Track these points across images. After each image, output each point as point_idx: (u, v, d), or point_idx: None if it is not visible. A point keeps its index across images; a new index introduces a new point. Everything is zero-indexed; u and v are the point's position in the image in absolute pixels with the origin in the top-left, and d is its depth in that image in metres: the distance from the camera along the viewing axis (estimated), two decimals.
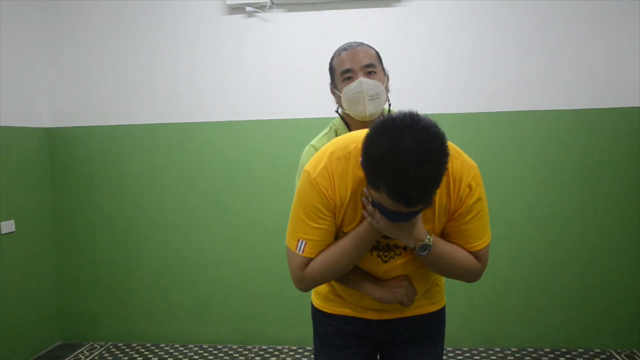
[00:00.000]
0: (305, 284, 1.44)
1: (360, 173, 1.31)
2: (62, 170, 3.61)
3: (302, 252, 1.39)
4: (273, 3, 3.32)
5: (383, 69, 1.79)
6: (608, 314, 3.28)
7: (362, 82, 1.71)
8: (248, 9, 3.33)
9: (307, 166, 1.39)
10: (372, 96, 1.72)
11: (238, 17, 3.39)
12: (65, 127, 3.59)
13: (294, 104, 3.38)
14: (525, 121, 3.24)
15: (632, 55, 3.15)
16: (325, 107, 3.28)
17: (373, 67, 1.75)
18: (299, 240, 1.39)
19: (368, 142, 1.16)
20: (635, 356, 3.19)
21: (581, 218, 3.26)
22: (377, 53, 1.80)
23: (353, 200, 1.35)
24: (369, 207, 1.32)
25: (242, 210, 3.48)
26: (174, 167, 3.51)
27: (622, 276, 3.25)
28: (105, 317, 3.67)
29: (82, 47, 3.53)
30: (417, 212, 1.24)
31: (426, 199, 1.14)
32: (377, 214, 1.29)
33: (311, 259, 1.40)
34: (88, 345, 3.64)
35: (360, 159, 1.21)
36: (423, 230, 1.34)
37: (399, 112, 1.16)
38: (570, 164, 3.24)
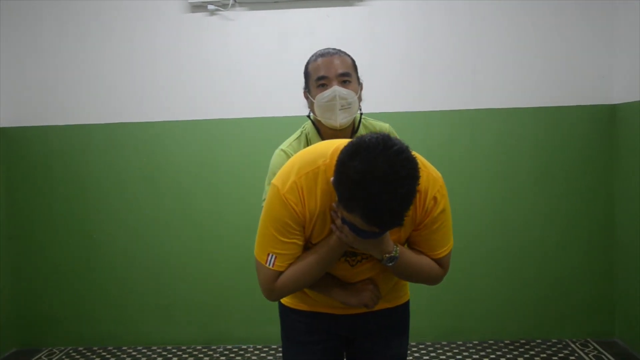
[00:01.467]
0: (276, 296, 1.45)
1: (329, 187, 1.33)
2: (19, 171, 3.50)
3: (272, 266, 1.40)
4: (235, 1, 3.31)
5: (358, 78, 1.81)
6: (564, 306, 3.40)
7: (336, 91, 1.73)
8: (210, 7, 3.31)
9: (275, 180, 1.39)
10: (344, 106, 1.73)
11: (200, 15, 3.37)
12: (21, 127, 3.48)
13: (258, 102, 3.38)
14: (483, 119, 3.33)
15: (588, 54, 3.28)
16: (289, 105, 3.32)
17: (348, 76, 1.76)
18: (268, 255, 1.39)
19: (341, 165, 1.18)
20: (590, 344, 3.32)
21: (537, 214, 3.37)
22: (353, 62, 1.81)
23: (322, 214, 1.37)
24: (338, 221, 1.34)
25: (206, 210, 3.46)
26: (135, 167, 3.46)
27: (577, 270, 3.38)
28: (64, 321, 3.58)
29: (38, 45, 3.44)
30: (386, 231, 1.28)
31: (399, 222, 1.18)
32: (346, 229, 1.32)
33: (281, 272, 1.41)
34: (47, 350, 3.54)
35: (332, 179, 1.22)
36: (390, 243, 1.37)
37: (371, 135, 1.18)
38: (527, 161, 3.34)
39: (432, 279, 1.50)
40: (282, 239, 1.37)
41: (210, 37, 3.37)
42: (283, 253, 1.39)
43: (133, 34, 3.40)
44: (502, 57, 3.30)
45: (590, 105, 3.29)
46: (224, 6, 3.32)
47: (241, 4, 3.33)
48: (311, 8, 3.32)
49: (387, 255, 1.37)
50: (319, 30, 3.31)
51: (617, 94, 3.26)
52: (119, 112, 3.44)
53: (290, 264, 1.41)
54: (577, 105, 3.29)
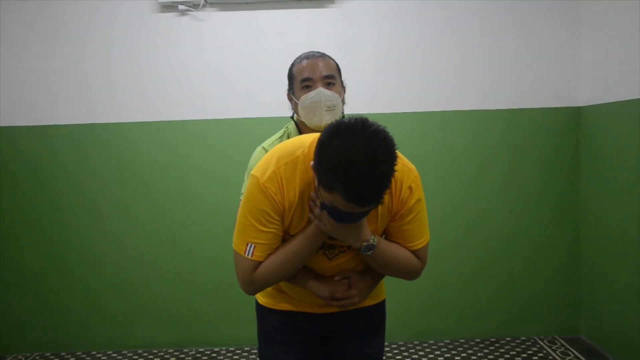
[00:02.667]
0: (254, 287, 1.46)
1: (308, 177, 1.36)
2: None
3: (251, 256, 1.40)
4: (206, 2, 3.29)
5: (341, 82, 1.83)
6: (532, 304, 3.47)
7: (321, 93, 1.74)
8: (181, 7, 3.28)
9: (255, 171, 1.41)
10: (328, 107, 1.75)
11: (170, 16, 3.33)
12: None
13: (229, 103, 3.36)
14: (454, 121, 3.37)
15: (555, 58, 3.35)
16: (261, 106, 3.31)
17: (333, 78, 1.78)
18: (247, 244, 1.40)
19: (322, 146, 1.21)
20: (557, 341, 3.39)
21: (506, 215, 3.42)
22: (337, 65, 1.83)
23: (300, 204, 1.39)
24: (316, 210, 1.36)
25: (177, 212, 3.42)
26: (105, 168, 3.40)
27: (544, 270, 3.45)
28: (30, 326, 3.49)
29: (8, 44, 3.35)
30: (367, 213, 1.30)
31: (378, 199, 1.21)
32: (325, 217, 1.34)
33: (260, 262, 1.42)
34: (11, 357, 3.45)
35: (312, 163, 1.26)
36: (368, 231, 1.40)
37: (350, 117, 1.22)
38: (496, 162, 3.39)
39: (410, 272, 1.52)
40: (261, 228, 1.38)
41: (180, 37, 3.34)
42: (262, 243, 1.40)
43: (102, 33, 3.34)
44: (473, 60, 3.35)
45: (557, 108, 3.37)
46: (195, 6, 3.29)
47: (212, 5, 3.31)
48: (282, 9, 3.31)
49: (364, 243, 1.39)
50: (291, 32, 3.31)
51: (582, 97, 3.34)
52: (88, 113, 3.38)
53: (269, 255, 1.42)
54: (544, 108, 3.37)
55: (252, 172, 1.41)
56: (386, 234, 1.50)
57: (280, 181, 1.37)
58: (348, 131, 1.18)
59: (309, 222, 1.40)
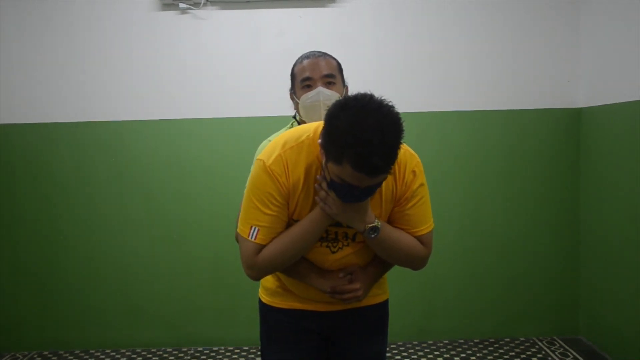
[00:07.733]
0: (258, 271, 1.46)
1: (313, 161, 1.38)
2: None
3: (255, 239, 1.41)
4: (207, 0, 3.29)
5: (343, 80, 1.84)
6: (531, 305, 3.47)
7: (320, 92, 1.76)
8: (181, 5, 3.28)
9: (261, 155, 1.43)
10: (328, 106, 1.75)
11: (171, 14, 3.33)
12: None
13: (228, 102, 3.36)
14: (452, 121, 3.37)
15: (555, 59, 3.35)
16: (261, 105, 3.31)
17: (333, 77, 1.79)
18: (251, 227, 1.41)
19: (331, 118, 1.24)
20: (555, 342, 3.39)
21: (505, 215, 3.43)
22: (339, 64, 1.85)
23: (305, 187, 1.40)
24: (322, 193, 1.37)
25: (175, 211, 3.42)
26: (104, 166, 3.40)
27: (544, 270, 3.45)
28: (28, 325, 3.48)
29: (7, 41, 3.34)
30: (373, 191, 1.31)
31: (386, 169, 1.23)
32: (330, 199, 1.35)
33: (263, 246, 1.42)
34: (9, 356, 3.44)
35: (320, 140, 1.28)
36: (372, 214, 1.41)
37: (357, 93, 1.25)
38: (496, 162, 3.40)
39: (416, 258, 1.52)
40: (266, 210, 1.40)
41: (181, 35, 3.34)
42: (266, 226, 1.41)
43: (102, 31, 3.34)
44: (472, 60, 3.35)
45: (557, 109, 3.37)
46: (196, 5, 3.29)
47: (213, 3, 3.31)
48: (283, 8, 3.31)
49: (369, 225, 1.40)
50: (291, 31, 3.31)
51: (582, 98, 3.35)
52: (87, 111, 3.37)
53: (273, 239, 1.42)
54: (544, 109, 3.37)
55: (258, 157, 1.43)
56: (390, 221, 1.49)
57: (285, 164, 1.39)
58: (357, 102, 1.22)
59: (314, 206, 1.41)
